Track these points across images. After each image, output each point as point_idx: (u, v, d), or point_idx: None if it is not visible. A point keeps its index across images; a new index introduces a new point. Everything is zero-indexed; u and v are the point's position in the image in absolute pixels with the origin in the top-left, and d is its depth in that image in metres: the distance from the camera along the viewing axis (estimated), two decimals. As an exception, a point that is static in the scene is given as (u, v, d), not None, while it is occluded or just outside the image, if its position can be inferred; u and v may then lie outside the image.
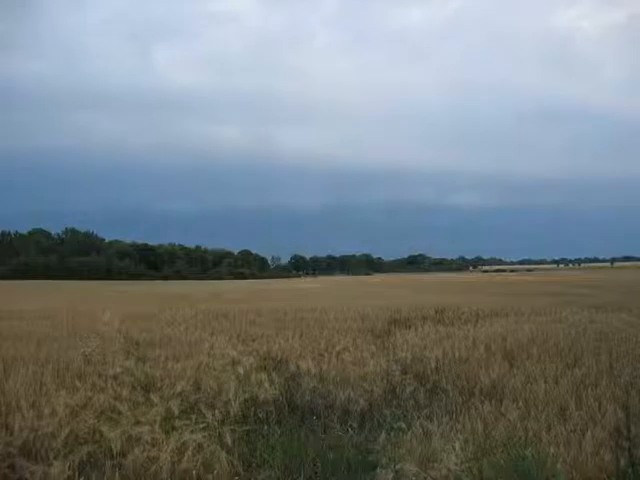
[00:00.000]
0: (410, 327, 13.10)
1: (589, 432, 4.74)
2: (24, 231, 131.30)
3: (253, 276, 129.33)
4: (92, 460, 4.76)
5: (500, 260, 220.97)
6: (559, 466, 4.03)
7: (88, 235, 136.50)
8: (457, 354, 8.59)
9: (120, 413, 5.50)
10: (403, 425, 5.36)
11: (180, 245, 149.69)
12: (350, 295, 37.75)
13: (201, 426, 5.02)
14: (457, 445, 4.59)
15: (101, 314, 18.22)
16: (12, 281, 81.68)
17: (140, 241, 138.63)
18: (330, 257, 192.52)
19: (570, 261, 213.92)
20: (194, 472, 4.39)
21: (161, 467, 4.40)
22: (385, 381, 7.24)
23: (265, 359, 8.76)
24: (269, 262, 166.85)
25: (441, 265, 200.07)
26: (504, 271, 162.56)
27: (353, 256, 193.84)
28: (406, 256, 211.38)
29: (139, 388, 6.86)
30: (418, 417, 5.74)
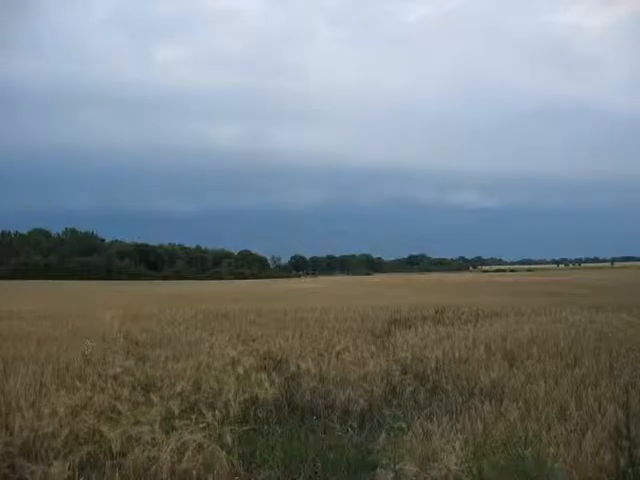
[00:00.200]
0: (410, 327, 13.09)
1: (589, 432, 4.73)
2: (24, 231, 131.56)
3: (253, 276, 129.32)
4: (92, 460, 4.77)
5: (500, 260, 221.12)
6: (558, 466, 4.02)
7: (88, 235, 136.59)
8: (457, 354, 8.58)
9: (120, 413, 5.51)
10: (403, 425, 5.35)
11: (180, 245, 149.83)
12: (350, 295, 37.76)
13: (201, 426, 5.03)
14: (457, 445, 4.59)
15: (101, 314, 18.33)
16: (12, 281, 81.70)
17: (140, 241, 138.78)
18: (330, 257, 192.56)
19: (570, 261, 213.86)
20: (194, 472, 4.38)
21: (161, 467, 4.39)
22: (385, 381, 7.24)
23: (265, 359, 8.76)
24: (269, 262, 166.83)
25: (441, 265, 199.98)
26: (504, 271, 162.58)
27: (353, 256, 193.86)
28: (406, 256, 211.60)
29: (139, 388, 6.86)
30: (418, 417, 5.74)
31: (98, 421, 5.28)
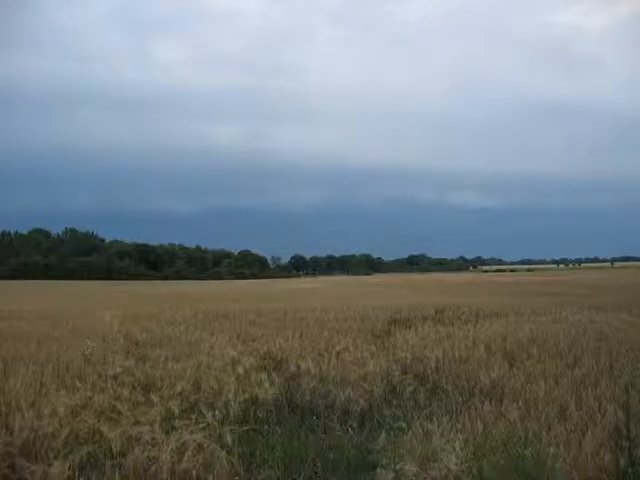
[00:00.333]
0: (410, 327, 13.09)
1: (589, 432, 4.73)
2: (24, 231, 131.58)
3: (253, 276, 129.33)
4: (92, 460, 4.77)
5: (500, 260, 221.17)
6: (559, 466, 4.02)
7: (88, 235, 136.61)
8: (457, 354, 8.58)
9: (120, 413, 5.51)
10: (403, 425, 5.35)
11: (180, 245, 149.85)
12: (350, 295, 37.77)
13: (201, 426, 5.02)
14: (457, 445, 4.59)
15: (101, 314, 18.33)
16: (12, 281, 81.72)
17: (140, 241, 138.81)
18: (330, 257, 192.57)
19: (570, 261, 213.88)
20: (194, 472, 4.38)
21: (161, 467, 4.39)
22: (385, 381, 7.24)
23: (265, 359, 8.76)
24: (269, 262, 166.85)
25: (441, 265, 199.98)
26: (504, 271, 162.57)
27: (353, 256, 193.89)
28: (406, 256, 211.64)
29: (139, 388, 6.86)
30: (418, 417, 5.73)
31: (98, 421, 5.28)
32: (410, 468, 4.29)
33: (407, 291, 45.73)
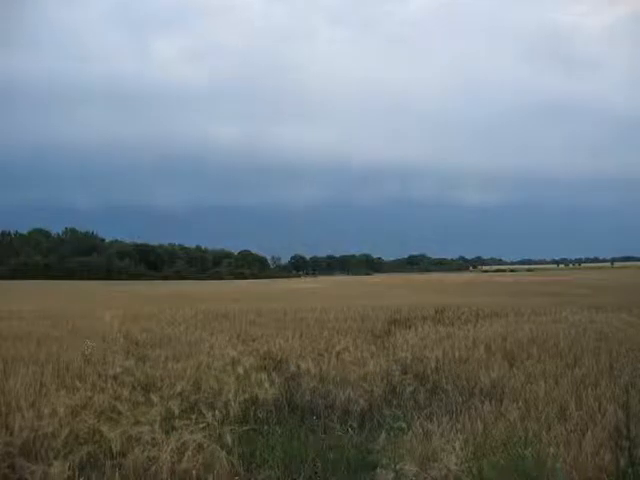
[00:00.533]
0: (410, 327, 13.09)
1: (589, 432, 4.73)
2: (24, 231, 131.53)
3: (253, 276, 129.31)
4: (92, 460, 4.77)
5: (500, 260, 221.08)
6: (559, 466, 4.02)
7: (88, 235, 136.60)
8: (457, 354, 8.58)
9: (120, 413, 5.50)
10: (403, 425, 5.35)
11: (180, 245, 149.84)
12: (350, 295, 37.76)
13: (201, 426, 5.02)
14: (457, 445, 4.59)
15: (101, 314, 18.32)
16: (12, 281, 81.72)
17: (140, 241, 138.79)
18: (330, 257, 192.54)
19: (570, 261, 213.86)
20: (194, 472, 4.38)
21: (161, 467, 4.39)
22: (385, 381, 7.24)
23: (265, 359, 8.76)
24: (269, 262, 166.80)
25: (441, 265, 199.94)
26: (504, 271, 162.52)
27: (353, 256, 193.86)
28: (406, 256, 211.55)
29: (139, 388, 6.86)
30: (418, 417, 5.73)
31: (98, 421, 5.27)
32: (410, 468, 4.29)
33: (407, 291, 45.73)
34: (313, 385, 6.89)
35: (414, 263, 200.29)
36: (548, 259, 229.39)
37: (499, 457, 4.44)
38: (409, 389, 6.85)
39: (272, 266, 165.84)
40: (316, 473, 4.81)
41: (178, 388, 6.54)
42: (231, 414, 5.84)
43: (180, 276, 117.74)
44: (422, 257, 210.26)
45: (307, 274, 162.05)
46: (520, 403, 5.90)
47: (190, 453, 4.51)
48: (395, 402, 6.59)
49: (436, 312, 16.78)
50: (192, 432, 4.83)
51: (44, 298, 37.17)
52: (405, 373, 7.71)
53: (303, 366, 7.52)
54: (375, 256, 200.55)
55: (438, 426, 5.27)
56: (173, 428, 5.05)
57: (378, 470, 4.47)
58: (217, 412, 5.61)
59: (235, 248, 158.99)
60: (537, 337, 10.26)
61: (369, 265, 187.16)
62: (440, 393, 6.83)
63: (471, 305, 19.46)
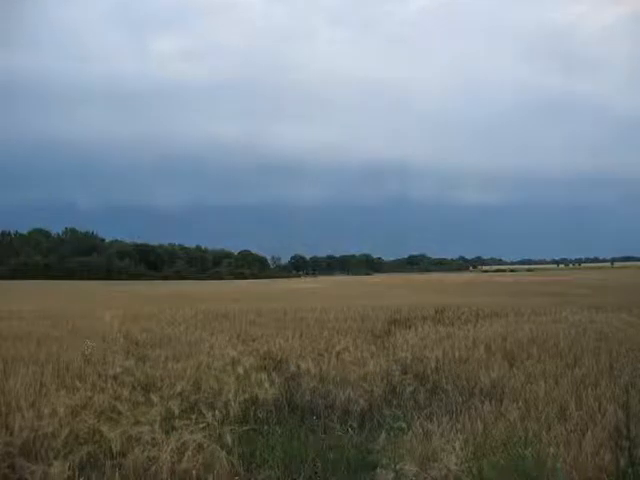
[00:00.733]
0: (410, 327, 13.09)
1: (589, 432, 4.73)
2: (24, 231, 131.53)
3: (253, 276, 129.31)
4: (92, 460, 4.77)
5: (500, 260, 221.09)
6: (559, 466, 4.02)
7: (88, 235, 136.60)
8: (457, 354, 8.58)
9: (120, 413, 5.50)
10: (403, 425, 5.35)
11: (180, 245, 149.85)
12: (350, 295, 37.76)
13: (201, 426, 5.02)
14: (457, 445, 4.59)
15: (101, 314, 18.32)
16: (12, 281, 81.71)
17: (140, 241, 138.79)
18: (330, 257, 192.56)
19: (570, 261, 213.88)
20: (194, 472, 4.38)
21: (161, 467, 4.39)
22: (385, 381, 7.23)
23: (265, 359, 8.76)
24: (269, 262, 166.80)
25: (441, 265, 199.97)
26: (504, 271, 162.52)
27: (353, 256, 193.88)
28: (406, 256, 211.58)
29: (139, 388, 6.86)
30: (418, 417, 5.73)
31: (98, 421, 5.27)
32: (410, 468, 4.29)
33: (407, 291, 45.73)
34: (313, 385, 6.89)
35: (414, 263, 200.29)
36: (548, 259, 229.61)
37: (499, 457, 4.44)
38: (409, 389, 6.85)
39: (272, 266, 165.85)
40: (316, 473, 4.81)
41: (178, 388, 6.54)
42: (231, 414, 5.84)
43: (180, 276, 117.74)
44: (422, 257, 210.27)
45: (307, 274, 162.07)
46: (520, 403, 5.90)
47: (190, 453, 4.51)
48: (395, 402, 6.59)
49: (436, 312, 16.78)
50: (192, 432, 4.83)
51: (44, 298, 37.17)
52: (405, 373, 7.71)
53: (303, 366, 7.52)
54: (375, 256, 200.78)
55: (438, 426, 5.27)
56: (173, 428, 5.05)
57: (378, 470, 4.47)
58: (217, 412, 5.61)
59: (235, 248, 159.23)
60: (537, 337, 10.26)
61: (369, 265, 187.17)
62: (440, 393, 6.83)
63: (471, 305, 19.46)
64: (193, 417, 5.26)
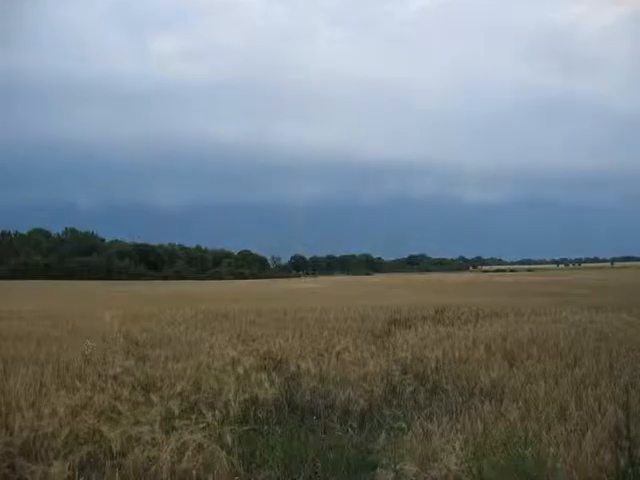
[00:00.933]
0: (410, 327, 13.09)
1: (589, 432, 4.73)
2: (24, 231, 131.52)
3: (253, 276, 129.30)
4: (92, 460, 4.77)
5: (500, 260, 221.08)
6: (559, 466, 4.02)
7: (88, 235, 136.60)
8: (457, 354, 8.58)
9: (120, 413, 5.50)
10: (403, 425, 5.35)
11: (180, 245, 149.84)
12: (350, 295, 37.76)
13: (201, 426, 5.02)
14: (457, 445, 4.59)
15: (101, 314, 18.32)
16: (12, 281, 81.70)
17: (140, 241, 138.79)
18: (330, 257, 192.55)
19: (570, 261, 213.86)
20: (194, 472, 4.38)
21: (161, 467, 4.39)
22: (385, 381, 7.23)
23: (265, 359, 8.76)
24: (269, 262, 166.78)
25: (441, 265, 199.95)
26: (504, 271, 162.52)
27: (353, 256, 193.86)
28: (406, 256, 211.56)
29: (139, 388, 6.86)
30: (418, 417, 5.73)
31: (98, 421, 5.27)
32: (410, 468, 4.29)
33: (407, 291, 45.73)
34: (313, 385, 6.89)
35: (414, 263, 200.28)
36: (548, 259, 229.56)
37: (499, 457, 4.44)
38: (409, 389, 6.85)
39: (272, 266, 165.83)
40: (316, 473, 4.81)
41: (178, 388, 6.54)
42: (231, 414, 5.84)
43: (180, 276, 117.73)
44: (422, 257, 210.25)
45: (307, 274, 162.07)
46: (520, 403, 5.90)
47: (190, 453, 4.51)
48: (395, 402, 6.59)
49: (436, 312, 16.78)
50: (192, 432, 4.83)
51: (44, 298, 37.17)
52: (405, 373, 7.71)
53: (303, 366, 7.52)
54: (375, 256, 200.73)
55: (438, 426, 5.27)
56: (173, 428, 5.05)
57: (378, 470, 4.47)
58: (217, 412, 5.61)
59: (235, 248, 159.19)
60: (537, 337, 10.26)
61: (369, 265, 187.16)
62: (440, 393, 6.83)
63: (471, 305, 19.46)
64: (193, 417, 5.26)
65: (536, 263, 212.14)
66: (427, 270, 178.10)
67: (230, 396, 6.15)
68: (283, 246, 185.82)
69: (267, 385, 6.66)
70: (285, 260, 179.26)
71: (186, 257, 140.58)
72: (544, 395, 6.14)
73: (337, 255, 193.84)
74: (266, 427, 5.81)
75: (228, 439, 4.93)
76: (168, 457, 4.45)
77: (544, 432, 4.92)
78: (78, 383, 6.86)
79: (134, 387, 6.90)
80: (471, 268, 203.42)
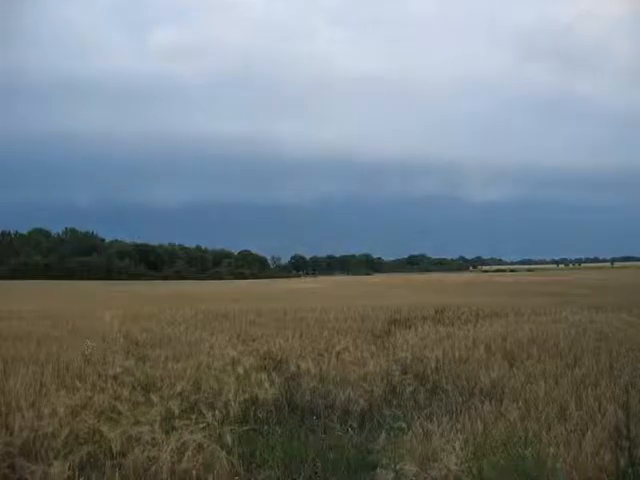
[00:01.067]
0: (410, 327, 13.09)
1: (589, 432, 4.73)
2: (24, 231, 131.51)
3: (253, 276, 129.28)
4: (92, 460, 4.77)
5: (500, 260, 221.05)
6: (559, 466, 4.02)
7: (88, 235, 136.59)
8: (457, 354, 8.58)
9: (120, 413, 5.50)
10: (403, 425, 5.35)
11: (180, 245, 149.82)
12: (350, 295, 37.77)
13: (201, 426, 5.02)
14: (457, 445, 4.59)
15: (101, 314, 18.32)
16: (12, 281, 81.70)
17: (140, 241, 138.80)
18: (330, 257, 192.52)
19: (570, 261, 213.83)
20: (194, 472, 4.38)
21: (161, 467, 4.39)
22: (385, 381, 7.24)
23: (265, 359, 8.76)
24: (269, 262, 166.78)
25: (441, 265, 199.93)
26: (504, 271, 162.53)
27: (353, 256, 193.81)
28: (406, 256, 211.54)
29: (139, 388, 6.86)
30: (418, 417, 5.73)
31: (98, 421, 5.28)
32: (410, 468, 4.29)
33: (407, 291, 45.73)
34: (313, 385, 6.89)
35: (414, 263, 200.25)
36: (548, 259, 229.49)
37: (499, 457, 4.44)
38: (409, 389, 6.85)
39: (272, 266, 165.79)
40: (316, 473, 4.81)
41: (178, 388, 6.54)
42: (231, 414, 5.84)
43: (180, 276, 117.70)
44: (422, 257, 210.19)
45: (307, 274, 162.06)
46: (520, 403, 5.90)
47: (190, 453, 4.51)
48: (395, 402, 6.59)
49: (436, 312, 16.78)
50: (192, 432, 4.83)
51: (44, 298, 37.17)
52: (405, 373, 7.71)
53: (303, 366, 7.52)
54: (375, 256, 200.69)
55: (438, 426, 5.27)
56: (173, 428, 5.05)
57: (378, 470, 4.47)
58: (217, 412, 5.61)
59: (235, 248, 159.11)
60: (537, 337, 10.26)
61: (369, 265, 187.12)
62: (440, 393, 6.83)
63: (471, 305, 19.46)
64: (193, 417, 5.26)
65: (536, 263, 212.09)
66: (427, 270, 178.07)
67: (230, 396, 6.15)
68: (283, 246, 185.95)
69: (267, 385, 6.66)
70: (285, 260, 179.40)
71: (186, 257, 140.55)
72: (544, 395, 6.14)
73: (337, 255, 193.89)
74: (266, 427, 5.81)
75: (228, 439, 4.93)
76: (168, 457, 4.45)
77: (544, 432, 4.92)
78: (78, 383, 6.86)
79: (134, 387, 6.90)
80: (471, 268, 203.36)
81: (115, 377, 7.40)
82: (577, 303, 20.71)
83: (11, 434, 4.98)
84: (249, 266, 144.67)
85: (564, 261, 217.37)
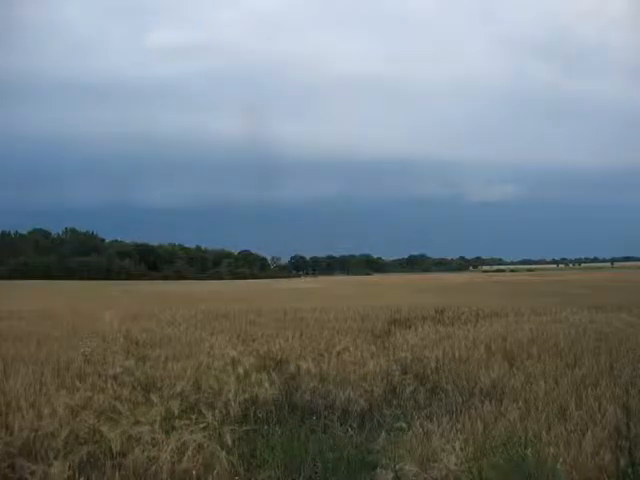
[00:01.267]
0: (410, 327, 13.10)
1: (589, 432, 4.73)
2: (24, 231, 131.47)
3: (253, 276, 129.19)
4: (92, 460, 4.76)
5: (500, 260, 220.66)
6: (559, 466, 4.02)
7: (88, 235, 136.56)
8: (457, 354, 8.58)
9: (120, 413, 5.50)
10: (403, 425, 5.35)
11: (180, 245, 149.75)
12: (350, 295, 37.79)
13: (201, 426, 5.02)
14: (457, 445, 4.59)
15: (101, 314, 18.33)
16: (12, 281, 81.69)
17: (140, 241, 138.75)
18: (330, 257, 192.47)
19: (570, 261, 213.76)
20: (194, 472, 4.39)
21: (161, 467, 4.40)
22: (385, 381, 7.24)
23: (265, 359, 8.75)
24: (269, 262, 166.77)
25: (441, 265, 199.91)
26: (504, 271, 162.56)
27: (353, 256, 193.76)
28: (406, 256, 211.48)
29: (139, 388, 6.86)
30: (418, 417, 5.74)
31: (98, 421, 5.27)
32: (410, 468, 4.29)
33: (407, 291, 45.73)
34: (313, 385, 6.89)
35: (414, 263, 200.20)
36: (548, 259, 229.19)
37: (499, 457, 4.43)
38: (409, 389, 6.85)
39: (272, 266, 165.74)
40: (316, 473, 4.81)
41: (178, 388, 6.53)
42: (231, 414, 5.84)
43: (180, 276, 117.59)
44: (422, 257, 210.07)
45: (307, 274, 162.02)
46: (520, 403, 5.90)
47: (190, 453, 4.51)
48: (395, 402, 6.59)
49: (436, 312, 16.79)
50: (192, 432, 4.83)
51: (44, 298, 37.16)
52: (405, 373, 7.72)
53: (303, 366, 7.52)
54: (375, 256, 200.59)
55: (438, 426, 5.27)
56: (173, 428, 5.05)
57: (378, 470, 4.47)
58: (217, 412, 5.61)
59: (235, 248, 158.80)
60: (537, 337, 10.26)
61: (369, 265, 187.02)
62: (440, 393, 6.83)
63: (471, 305, 19.46)
64: (193, 417, 5.25)
65: (536, 263, 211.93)
66: (427, 270, 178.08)
67: (230, 396, 6.15)
68: (283, 246, 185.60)
69: (267, 385, 6.66)
70: (285, 260, 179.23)
71: (186, 257, 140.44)
72: (544, 395, 6.14)
73: (337, 255, 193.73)
74: (266, 427, 5.80)
75: (228, 439, 4.93)
76: (168, 457, 4.45)
77: (544, 432, 4.92)
78: (78, 383, 6.87)
79: (134, 387, 6.91)
80: (471, 268, 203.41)
81: (115, 377, 7.40)
82: (577, 303, 20.72)
83: (11, 434, 4.98)
84: (249, 266, 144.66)
85: (564, 261, 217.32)
